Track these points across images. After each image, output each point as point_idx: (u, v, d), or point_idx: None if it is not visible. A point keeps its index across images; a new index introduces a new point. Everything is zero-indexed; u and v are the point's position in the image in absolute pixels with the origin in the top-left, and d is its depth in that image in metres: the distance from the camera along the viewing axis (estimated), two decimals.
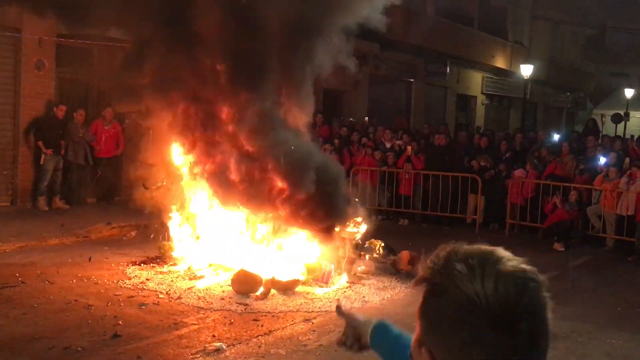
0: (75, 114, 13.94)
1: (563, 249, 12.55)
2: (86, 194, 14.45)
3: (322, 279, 9.02)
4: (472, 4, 26.54)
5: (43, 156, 13.41)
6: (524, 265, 1.33)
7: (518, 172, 14.36)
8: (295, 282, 8.75)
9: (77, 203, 14.02)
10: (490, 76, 28.36)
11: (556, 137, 20.59)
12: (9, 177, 13.64)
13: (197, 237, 10.05)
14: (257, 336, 7.05)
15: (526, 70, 26.05)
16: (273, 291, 8.52)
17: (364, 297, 8.69)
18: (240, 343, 6.81)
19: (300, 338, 7.09)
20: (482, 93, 28.35)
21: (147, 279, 8.97)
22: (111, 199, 14.51)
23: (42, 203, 13.48)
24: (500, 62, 27.95)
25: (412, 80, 23.94)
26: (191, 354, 6.43)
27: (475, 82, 27.79)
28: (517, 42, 29.73)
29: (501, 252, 1.36)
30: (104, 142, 14.28)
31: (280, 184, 9.07)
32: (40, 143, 13.40)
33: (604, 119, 28.50)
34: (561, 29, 33.86)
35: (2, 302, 7.68)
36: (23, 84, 13.52)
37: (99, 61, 14.39)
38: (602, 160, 13.96)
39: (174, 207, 10.25)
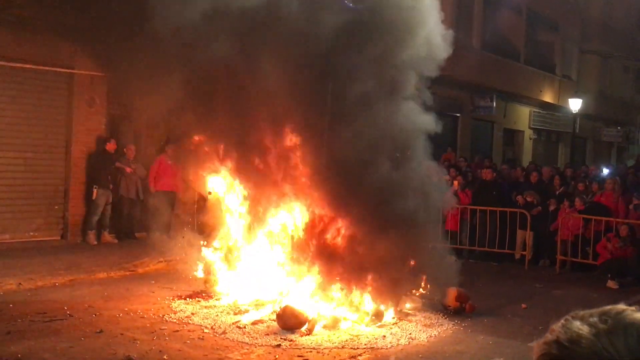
0: (125, 149, 14.22)
1: (617, 287, 12.16)
2: (136, 228, 14.60)
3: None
4: (518, 38, 26.37)
5: (95, 190, 13.65)
6: None
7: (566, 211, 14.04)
8: (342, 319, 8.63)
9: (126, 237, 14.21)
10: (538, 110, 28.03)
11: (606, 171, 20.16)
12: (60, 212, 13.92)
13: (242, 272, 10.05)
14: None
15: (575, 104, 25.73)
16: (318, 327, 8.42)
17: (410, 334, 8.51)
18: None
19: None
20: (530, 127, 28.00)
21: (193, 313, 8.96)
22: (165, 232, 14.55)
23: (91, 237, 13.69)
24: (548, 97, 27.61)
25: (458, 114, 23.80)
26: None
27: (523, 116, 27.48)
28: (565, 76, 29.39)
29: (622, 306, 1.21)
30: (165, 176, 14.44)
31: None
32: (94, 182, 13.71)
33: None
34: (610, 63, 33.37)
35: (49, 334, 7.75)
36: (75, 120, 13.88)
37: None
38: None
39: (219, 242, 10.29)
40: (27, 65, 13.01)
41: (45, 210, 13.70)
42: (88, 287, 10.24)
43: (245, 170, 9.90)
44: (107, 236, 13.96)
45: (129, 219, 14.53)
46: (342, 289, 9.06)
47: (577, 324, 1.17)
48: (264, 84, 8.92)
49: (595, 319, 1.16)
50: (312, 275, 9.27)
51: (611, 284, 12.34)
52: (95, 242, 13.67)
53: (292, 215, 9.71)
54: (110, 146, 13.98)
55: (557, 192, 14.89)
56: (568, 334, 1.16)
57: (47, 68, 13.35)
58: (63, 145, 13.90)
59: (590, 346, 1.12)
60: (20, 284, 10.11)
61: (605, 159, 32.44)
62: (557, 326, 1.20)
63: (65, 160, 13.92)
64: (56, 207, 13.84)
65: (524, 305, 10.36)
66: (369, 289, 9.06)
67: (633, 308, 1.19)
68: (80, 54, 13.36)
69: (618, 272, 12.62)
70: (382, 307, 9.00)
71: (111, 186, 13.98)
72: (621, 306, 1.20)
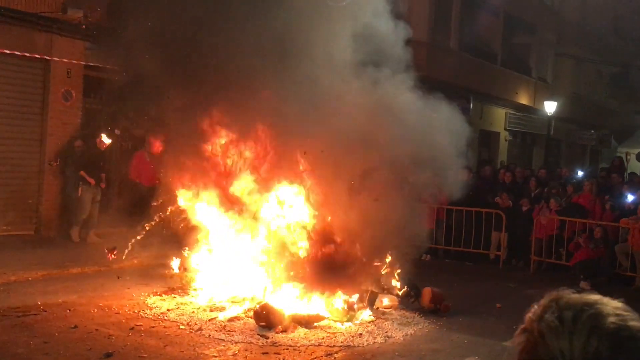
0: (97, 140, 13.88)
1: (590, 288, 12.31)
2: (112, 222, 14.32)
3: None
4: (495, 40, 26.58)
5: (80, 187, 13.36)
6: (630, 322, 1.17)
7: (542, 211, 14.20)
8: (318, 317, 8.64)
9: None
10: (514, 112, 28.27)
11: (580, 173, 20.43)
12: (34, 206, 13.71)
13: (218, 269, 10.00)
14: None
15: (550, 107, 26.01)
16: (295, 325, 8.42)
17: (386, 332, 8.54)
18: None
19: None
20: (506, 129, 28.22)
21: (168, 310, 8.91)
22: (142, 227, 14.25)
23: (75, 235, 13.32)
24: (523, 99, 27.87)
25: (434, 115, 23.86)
26: None
27: (499, 118, 27.68)
28: (541, 79, 29.69)
29: (606, 302, 1.21)
30: (145, 172, 14.22)
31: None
32: (82, 173, 13.33)
33: (628, 157, 28.22)
34: (585, 67, 33.76)
35: (23, 330, 7.65)
36: (50, 113, 13.69)
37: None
38: (630, 198, 13.78)
39: (196, 238, 10.24)
40: (3, 50, 12.81)
41: (19, 204, 13.49)
42: (62, 283, 10.13)
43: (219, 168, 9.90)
44: (94, 237, 13.51)
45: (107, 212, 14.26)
46: (318, 290, 9.07)
47: (552, 317, 1.19)
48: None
49: (570, 314, 1.17)
50: (288, 276, 9.27)
51: (584, 284, 12.49)
52: (78, 240, 13.35)
53: (269, 214, 9.69)
54: (102, 143, 13.68)
55: (533, 194, 15.04)
56: (541, 322, 1.19)
57: (24, 54, 13.13)
58: (37, 138, 13.71)
59: (551, 345, 1.15)
60: None
61: (579, 161, 32.81)
62: (542, 303, 1.23)
63: (40, 154, 13.72)
64: (30, 201, 13.64)
65: (498, 305, 10.46)
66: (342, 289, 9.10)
67: (616, 308, 1.18)
68: (57, 46, 13.23)
69: (590, 273, 12.79)
70: (355, 306, 9.01)
71: (102, 185, 13.72)
72: (604, 303, 1.19)
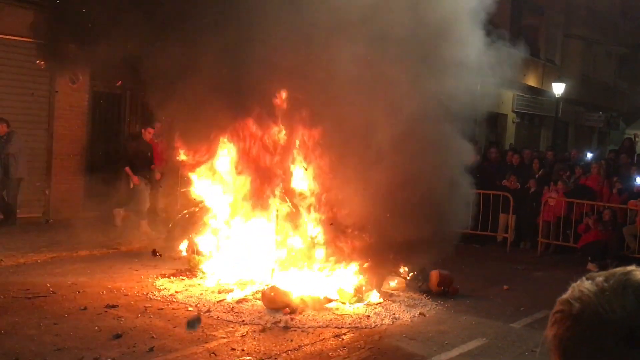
0: (143, 130, 13.71)
1: (597, 270, 12.23)
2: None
3: None
4: (504, 21, 26.37)
5: (132, 181, 13.06)
6: None
7: (550, 193, 14.17)
8: (326, 300, 8.66)
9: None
10: (522, 94, 28.09)
11: (589, 155, 20.36)
12: (42, 189, 13.73)
13: (227, 251, 10.04)
14: (287, 351, 6.97)
15: (558, 88, 25.85)
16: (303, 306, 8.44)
17: (394, 314, 8.57)
18: (269, 358, 6.74)
19: (329, 354, 7.00)
20: (513, 111, 28.08)
21: (177, 292, 8.95)
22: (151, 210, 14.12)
23: (144, 225, 12.99)
24: (531, 81, 27.69)
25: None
26: None
27: (506, 99, 27.53)
28: (549, 60, 29.48)
29: (631, 267, 1.26)
30: (152, 155, 14.13)
31: None
32: (127, 169, 12.99)
33: (636, 139, 28.09)
34: (594, 48, 33.50)
35: (33, 311, 7.71)
36: (58, 96, 13.67)
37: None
38: (639, 180, 13.73)
39: (205, 220, 10.27)
40: (10, 37, 12.79)
41: (27, 187, 13.51)
42: (71, 265, 10.19)
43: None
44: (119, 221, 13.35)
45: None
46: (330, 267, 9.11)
47: (586, 283, 1.24)
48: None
49: (601, 279, 1.23)
50: (299, 256, 9.30)
51: (591, 266, 12.48)
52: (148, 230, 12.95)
53: (279, 195, 9.71)
54: (147, 134, 13.42)
55: (537, 175, 15.00)
56: (575, 292, 1.24)
57: (29, 40, 13.10)
58: (45, 121, 13.72)
59: (589, 304, 1.19)
60: (1, 260, 10.03)
61: (587, 143, 32.65)
62: (573, 284, 1.28)
63: (47, 137, 13.74)
64: (38, 184, 13.67)
65: (506, 287, 10.47)
66: (355, 268, 9.13)
67: None
68: (63, 29, 13.18)
69: (598, 255, 12.77)
70: (363, 288, 9.03)
71: (158, 176, 13.46)
72: (630, 267, 1.25)
